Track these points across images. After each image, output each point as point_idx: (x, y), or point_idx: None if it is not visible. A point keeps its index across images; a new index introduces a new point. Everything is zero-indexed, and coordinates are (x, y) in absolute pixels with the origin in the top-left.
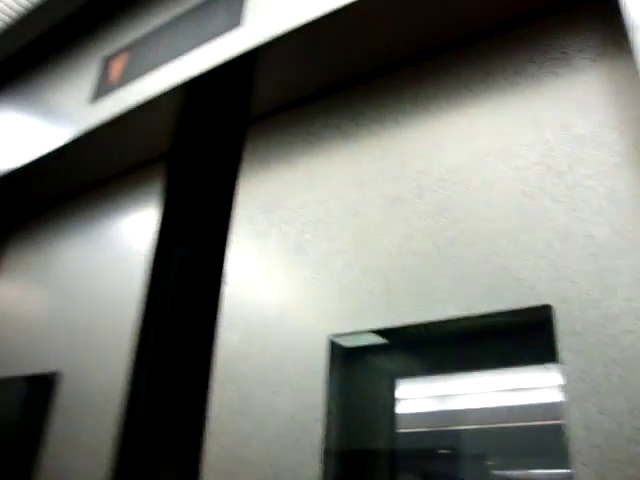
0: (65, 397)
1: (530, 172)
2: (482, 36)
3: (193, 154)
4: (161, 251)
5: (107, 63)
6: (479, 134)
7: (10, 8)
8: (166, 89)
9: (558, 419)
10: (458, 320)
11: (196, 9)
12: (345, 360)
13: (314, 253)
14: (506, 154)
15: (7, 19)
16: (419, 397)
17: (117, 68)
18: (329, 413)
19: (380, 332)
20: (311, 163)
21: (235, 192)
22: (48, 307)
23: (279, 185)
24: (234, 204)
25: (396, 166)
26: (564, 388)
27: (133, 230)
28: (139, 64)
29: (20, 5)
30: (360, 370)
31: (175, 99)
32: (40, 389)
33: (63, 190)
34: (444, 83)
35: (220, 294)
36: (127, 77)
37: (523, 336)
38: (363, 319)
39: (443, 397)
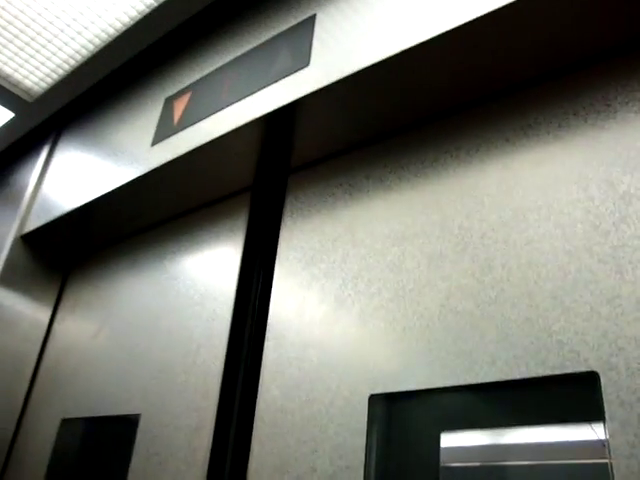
0: (145, 439)
1: (574, 230)
2: (524, 86)
3: (250, 198)
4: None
5: (170, 104)
6: (521, 189)
7: (77, 53)
8: (228, 130)
9: None
10: (500, 384)
11: (257, 49)
12: (386, 420)
13: (355, 309)
14: (549, 211)
15: (73, 62)
16: (463, 458)
17: (180, 108)
18: (369, 475)
19: (422, 393)
20: (352, 216)
21: (277, 243)
22: (128, 346)
23: (320, 238)
24: (276, 256)
25: (437, 221)
26: (611, 464)
27: (214, 266)
28: (201, 104)
29: (86, 49)
30: (401, 431)
31: (237, 140)
32: (123, 430)
33: (136, 226)
34: (486, 135)
35: (263, 347)
36: (189, 118)
37: (569, 399)
38: (404, 379)
39: (487, 453)
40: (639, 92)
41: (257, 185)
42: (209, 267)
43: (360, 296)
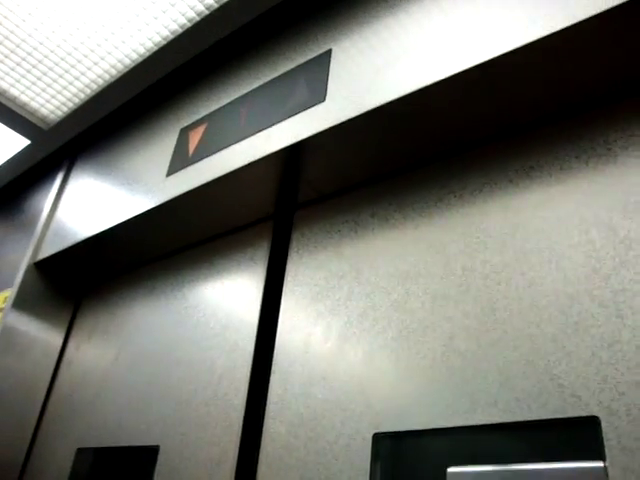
0: (164, 472)
1: (575, 274)
2: (528, 128)
3: (272, 227)
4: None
5: (185, 134)
6: (524, 231)
7: (94, 82)
8: (244, 164)
9: None
10: (501, 425)
11: (274, 82)
12: (389, 459)
13: (360, 347)
14: (551, 254)
15: (89, 91)
16: None
17: (195, 139)
18: None
19: (425, 432)
20: (357, 254)
21: (283, 279)
22: (146, 375)
23: (326, 274)
24: (282, 291)
25: (441, 261)
26: None
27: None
28: (217, 136)
29: (102, 79)
30: (404, 470)
31: (253, 173)
32: (141, 462)
33: (153, 254)
34: (490, 175)
35: (269, 381)
36: (204, 150)
37: (570, 443)
38: (408, 418)
39: None
40: (638, 136)
41: (279, 215)
42: (230, 297)
43: (365, 334)
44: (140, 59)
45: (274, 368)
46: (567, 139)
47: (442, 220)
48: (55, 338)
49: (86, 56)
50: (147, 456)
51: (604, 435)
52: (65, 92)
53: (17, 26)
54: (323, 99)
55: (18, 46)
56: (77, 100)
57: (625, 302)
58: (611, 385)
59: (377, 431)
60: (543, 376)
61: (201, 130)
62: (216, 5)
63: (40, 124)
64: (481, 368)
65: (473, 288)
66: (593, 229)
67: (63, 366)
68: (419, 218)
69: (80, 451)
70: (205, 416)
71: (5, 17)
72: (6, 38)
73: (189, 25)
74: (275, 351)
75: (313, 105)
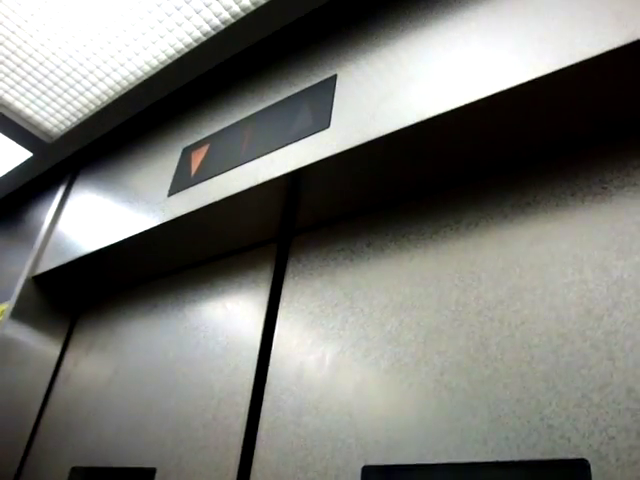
0: None
1: (568, 313)
2: (525, 164)
3: (276, 250)
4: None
5: (188, 154)
6: (518, 267)
7: (98, 98)
8: (246, 187)
9: None
10: (490, 464)
11: (278, 105)
12: None
13: (352, 378)
14: (544, 292)
15: (93, 107)
16: None
17: (197, 160)
18: None
19: (414, 467)
20: (352, 283)
21: (279, 305)
22: (144, 395)
23: (320, 302)
24: (277, 317)
25: (435, 294)
26: None
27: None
28: (220, 158)
29: (107, 95)
30: None
31: (256, 197)
32: None
33: (153, 272)
34: (486, 210)
35: (261, 410)
36: (207, 171)
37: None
38: (397, 452)
39: None
40: (634, 177)
41: (282, 238)
42: (231, 319)
43: (357, 365)
44: (145, 77)
45: (266, 396)
46: (563, 176)
47: (437, 253)
48: (51, 352)
49: (92, 72)
50: (143, 478)
51: (593, 479)
52: (69, 107)
53: (25, 41)
54: (327, 125)
55: (24, 60)
56: (81, 115)
57: (617, 344)
58: (601, 428)
59: (366, 464)
60: (533, 416)
61: (204, 150)
62: (223, 26)
63: (43, 137)
64: (471, 405)
65: (466, 323)
66: (587, 268)
67: (59, 381)
68: (414, 249)
69: (74, 470)
70: (203, 439)
71: (13, 32)
72: (13, 53)
73: (195, 45)
74: (268, 378)
75: (317, 131)
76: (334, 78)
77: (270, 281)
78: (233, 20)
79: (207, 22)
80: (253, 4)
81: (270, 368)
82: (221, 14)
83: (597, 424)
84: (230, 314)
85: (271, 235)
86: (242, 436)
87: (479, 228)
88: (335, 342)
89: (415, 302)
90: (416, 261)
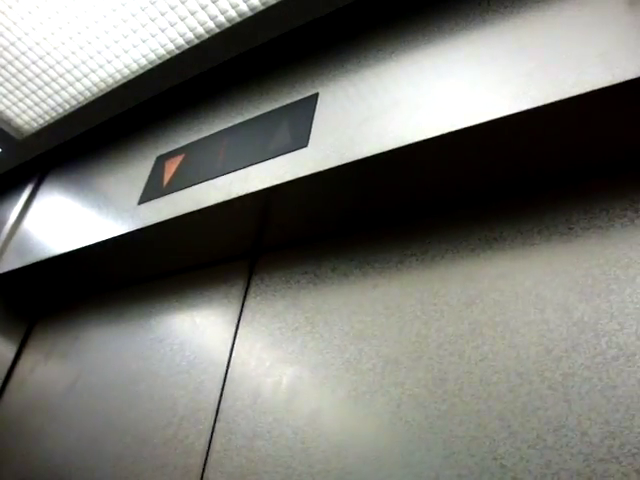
0: None
1: (528, 352)
2: (494, 199)
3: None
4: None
5: (162, 163)
6: (481, 302)
7: (74, 98)
8: (219, 201)
9: None
10: None
11: (257, 120)
12: None
13: (307, 404)
14: (505, 329)
15: (68, 106)
16: None
17: (171, 169)
18: None
19: None
20: (314, 307)
21: (238, 324)
22: (103, 407)
23: (281, 325)
24: (236, 337)
25: (396, 325)
26: None
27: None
28: (194, 169)
29: (83, 96)
30: None
31: (228, 211)
32: None
33: (120, 280)
34: (453, 242)
35: (213, 432)
36: (180, 181)
37: None
38: None
39: None
40: (599, 219)
41: (253, 255)
42: (200, 333)
43: (314, 391)
44: (124, 80)
45: (220, 416)
46: (531, 214)
47: (401, 283)
48: (4, 356)
49: (69, 71)
50: None
51: None
52: (43, 105)
53: (0, 34)
54: (305, 144)
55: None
56: (54, 114)
57: (574, 387)
58: (553, 471)
59: None
60: (487, 455)
61: (178, 160)
62: (206, 35)
63: (14, 134)
64: (426, 439)
65: (425, 356)
66: (548, 308)
67: (12, 387)
68: (379, 277)
69: None
70: (163, 457)
71: None
72: None
73: (177, 52)
74: (222, 397)
75: (295, 149)
76: (316, 97)
77: (242, 297)
78: (217, 30)
79: (191, 30)
80: (239, 15)
81: (226, 388)
82: (206, 23)
83: (550, 467)
84: (199, 329)
85: (244, 251)
86: (204, 456)
87: (445, 260)
88: (293, 366)
89: (376, 331)
90: (379, 289)
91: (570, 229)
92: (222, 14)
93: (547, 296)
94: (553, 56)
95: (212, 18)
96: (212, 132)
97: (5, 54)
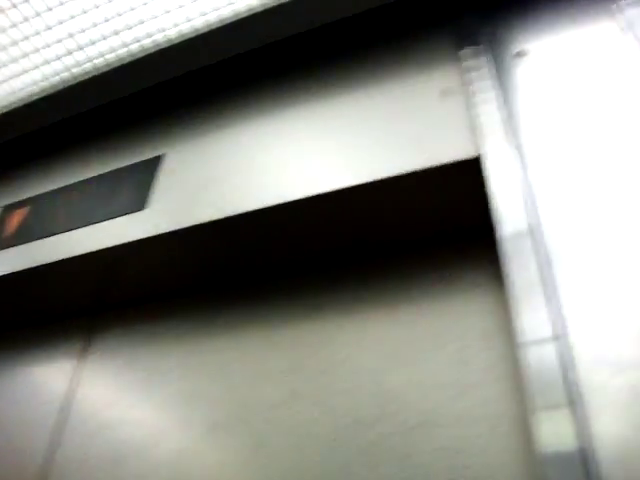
0: None
1: (342, 420)
2: (320, 266)
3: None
4: None
5: (4, 214)
6: (301, 370)
7: None
8: (57, 259)
9: None
10: None
11: (102, 178)
12: None
13: (131, 469)
14: (322, 396)
15: None
16: None
17: (14, 222)
18: None
19: None
20: (150, 367)
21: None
22: None
23: (118, 383)
24: (74, 397)
25: (225, 388)
26: None
27: None
28: (37, 224)
29: None
30: None
31: (67, 269)
32: None
33: None
34: (278, 310)
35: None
36: (22, 234)
37: None
38: None
39: None
40: (413, 291)
41: (94, 313)
42: (30, 392)
43: (139, 454)
44: None
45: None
46: (349, 284)
47: (229, 347)
48: None
49: None
50: None
51: None
52: None
53: None
54: (143, 207)
55: None
56: None
57: (380, 454)
58: None
59: None
60: None
61: (22, 213)
62: (61, 86)
63: None
64: None
65: (250, 420)
66: (363, 376)
67: None
68: (209, 341)
69: None
70: None
71: None
72: None
73: (35, 98)
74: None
75: (133, 211)
76: (160, 158)
77: (82, 354)
78: (73, 82)
79: (46, 79)
80: (95, 69)
81: (57, 455)
82: (59, 73)
83: None
84: (29, 387)
85: (84, 307)
86: None
87: (272, 326)
88: (122, 427)
89: (206, 394)
90: (211, 352)
91: (385, 299)
92: (79, 66)
93: (362, 364)
94: (377, 136)
95: (67, 69)
96: (58, 186)
97: None
